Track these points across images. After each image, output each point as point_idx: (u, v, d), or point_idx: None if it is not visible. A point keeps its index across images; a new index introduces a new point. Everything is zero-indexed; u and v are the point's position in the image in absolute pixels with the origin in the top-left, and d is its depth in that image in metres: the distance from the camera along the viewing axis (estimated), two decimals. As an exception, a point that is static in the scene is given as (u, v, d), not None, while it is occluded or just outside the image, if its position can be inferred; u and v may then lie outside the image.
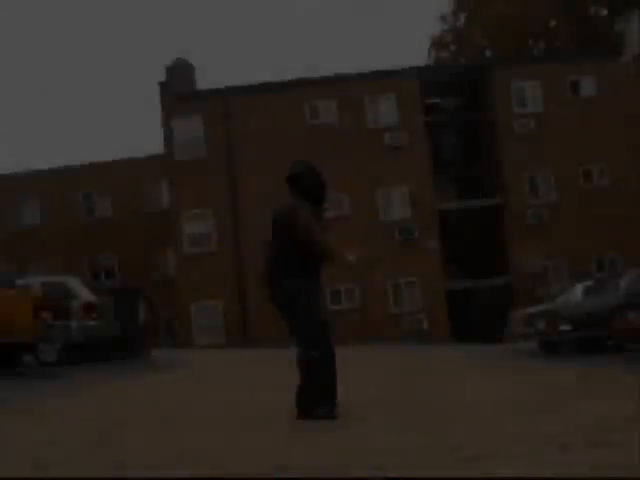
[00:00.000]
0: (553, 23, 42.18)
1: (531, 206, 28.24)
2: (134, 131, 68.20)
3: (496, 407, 5.10)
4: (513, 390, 6.32)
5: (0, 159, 68.50)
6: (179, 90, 29.03)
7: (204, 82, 34.77)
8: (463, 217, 30.64)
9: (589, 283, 16.86)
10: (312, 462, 3.34)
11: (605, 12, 41.05)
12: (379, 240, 27.45)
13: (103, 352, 15.01)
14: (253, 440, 4.04)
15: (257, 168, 27.34)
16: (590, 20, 40.73)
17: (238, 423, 4.79)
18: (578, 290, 17.01)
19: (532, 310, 17.29)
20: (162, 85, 28.82)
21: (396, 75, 28.56)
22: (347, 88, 28.23)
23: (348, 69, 41.24)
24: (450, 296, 27.75)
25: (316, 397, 4.68)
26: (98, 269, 31.31)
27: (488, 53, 41.59)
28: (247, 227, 27.10)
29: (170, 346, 27.77)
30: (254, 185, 27.32)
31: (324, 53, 70.76)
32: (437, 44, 43.78)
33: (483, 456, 3.31)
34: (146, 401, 6.78)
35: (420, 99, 28.72)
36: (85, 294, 14.91)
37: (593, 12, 42.28)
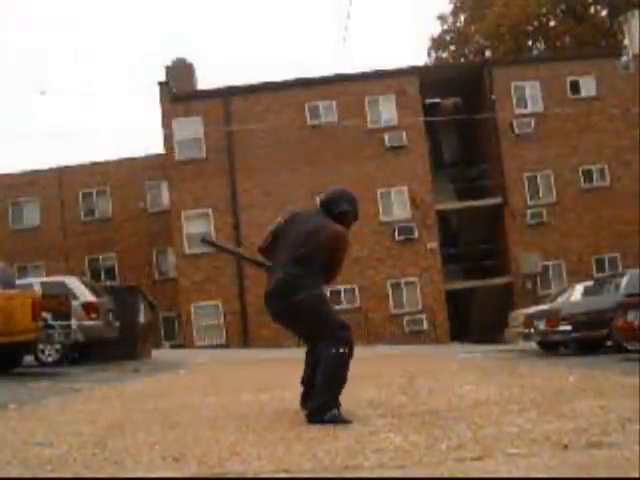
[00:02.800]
0: (553, 23, 42.18)
1: (531, 206, 28.23)
2: (134, 131, 68.15)
3: (496, 407, 5.10)
4: (513, 390, 6.32)
5: (0, 159, 68.45)
6: (179, 90, 29.06)
7: (204, 82, 34.73)
8: (463, 217, 30.65)
9: (589, 283, 16.87)
10: (312, 462, 3.34)
11: (605, 12, 41.06)
12: (379, 240, 27.47)
13: (103, 352, 15.02)
14: (254, 440, 4.04)
15: (257, 168, 27.35)
16: (590, 20, 40.73)
17: (238, 423, 4.79)
18: (578, 290, 17.03)
19: (532, 310, 17.30)
20: (162, 85, 28.82)
21: (396, 75, 28.57)
22: (347, 88, 28.23)
23: (348, 69, 41.17)
24: (450, 296, 27.75)
25: (328, 398, 4.61)
26: (98, 269, 31.32)
27: (488, 53, 41.57)
28: (247, 227, 27.10)
29: (170, 346, 27.80)
30: (254, 185, 27.35)
31: (324, 53, 70.78)
32: (437, 44, 43.79)
33: (483, 456, 3.31)
34: (146, 401, 6.78)
35: (420, 99, 28.72)
36: (85, 294, 14.92)
37: (593, 12, 42.29)
